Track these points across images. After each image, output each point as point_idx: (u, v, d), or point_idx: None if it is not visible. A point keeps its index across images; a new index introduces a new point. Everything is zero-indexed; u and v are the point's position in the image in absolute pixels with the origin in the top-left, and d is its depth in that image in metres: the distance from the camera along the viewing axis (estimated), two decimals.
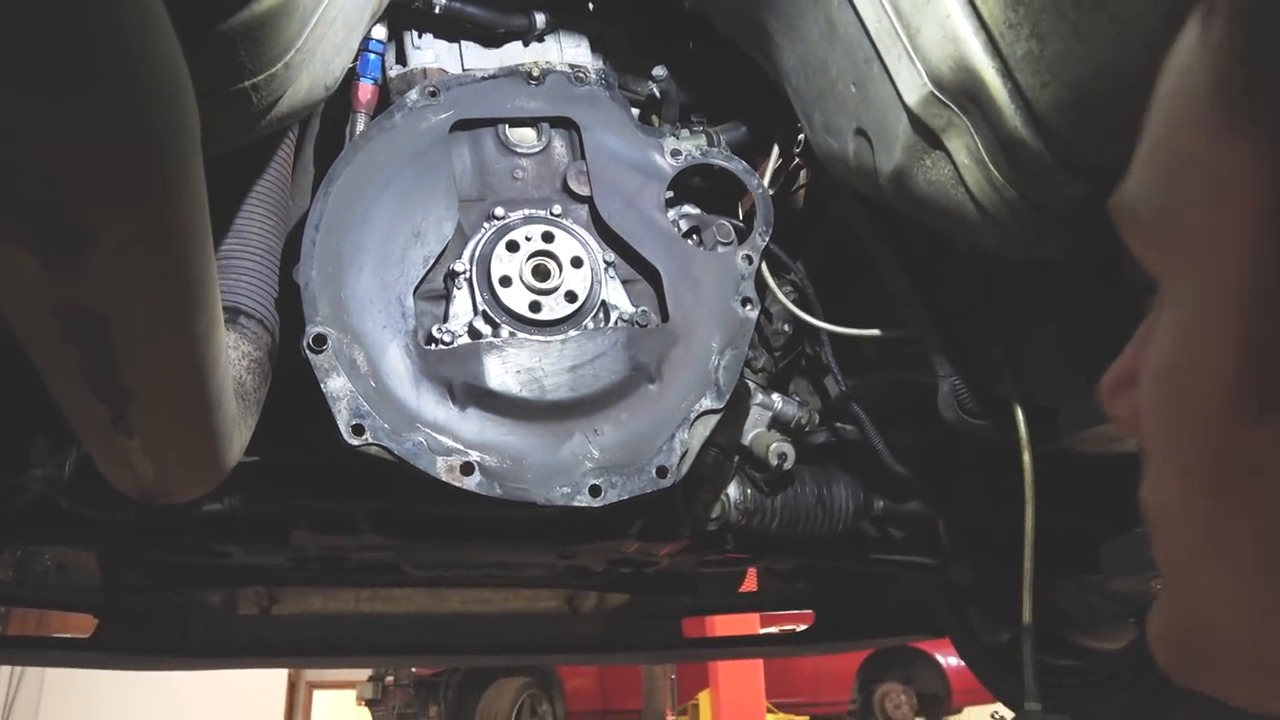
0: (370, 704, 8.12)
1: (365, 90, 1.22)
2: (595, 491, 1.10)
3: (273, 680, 9.78)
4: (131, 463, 0.80)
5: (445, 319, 1.15)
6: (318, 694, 11.46)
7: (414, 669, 7.68)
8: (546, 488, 1.08)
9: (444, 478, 1.05)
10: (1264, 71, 0.27)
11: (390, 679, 7.95)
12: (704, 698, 7.14)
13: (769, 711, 6.88)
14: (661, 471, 1.13)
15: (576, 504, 1.09)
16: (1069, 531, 1.36)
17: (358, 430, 1.05)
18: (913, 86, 0.87)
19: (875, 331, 1.30)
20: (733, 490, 1.39)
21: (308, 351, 1.08)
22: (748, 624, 4.85)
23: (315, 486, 1.23)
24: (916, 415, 1.43)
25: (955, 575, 1.54)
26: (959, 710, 8.74)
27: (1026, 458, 1.11)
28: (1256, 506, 0.27)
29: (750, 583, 2.44)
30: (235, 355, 1.01)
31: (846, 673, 8.18)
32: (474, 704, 7.26)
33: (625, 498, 1.11)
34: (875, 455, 1.42)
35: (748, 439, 1.40)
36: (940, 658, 8.18)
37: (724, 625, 4.61)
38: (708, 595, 2.15)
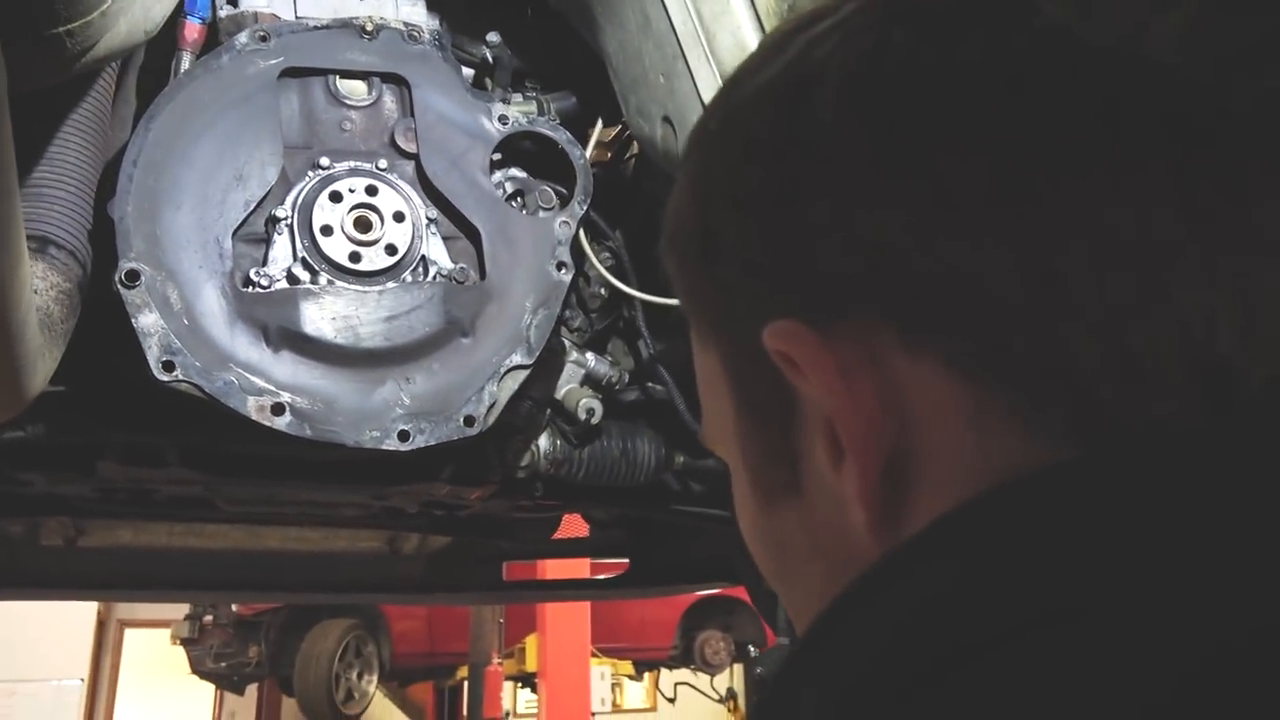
0: (186, 643, 7.88)
1: (192, 29, 1.22)
2: (404, 436, 1.16)
3: (80, 617, 9.35)
4: None
5: (264, 263, 1.18)
6: (129, 632, 11.02)
7: (234, 608, 7.51)
8: (356, 431, 1.14)
9: (254, 417, 1.09)
10: (701, 304, 0.42)
11: (208, 618, 7.73)
12: (531, 641, 7.31)
13: (594, 655, 7.12)
14: (469, 421, 1.20)
15: (385, 448, 1.15)
16: None
17: (168, 366, 1.08)
18: (709, 86, 0.96)
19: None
20: (543, 441, 1.48)
21: (119, 286, 1.09)
22: (578, 571, 5.00)
23: (123, 419, 1.24)
24: None
25: None
26: None
27: None
28: (793, 563, 0.40)
29: (581, 529, 2.56)
30: (43, 286, 1.02)
31: (669, 620, 8.52)
32: (296, 645, 7.18)
33: (433, 443, 1.18)
34: (677, 416, 1.54)
35: (560, 393, 1.49)
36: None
37: (554, 571, 4.75)
38: (526, 540, 2.24)
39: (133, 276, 1.10)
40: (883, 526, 0.34)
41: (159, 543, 2.25)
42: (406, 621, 7.68)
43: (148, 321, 1.09)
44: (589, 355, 1.51)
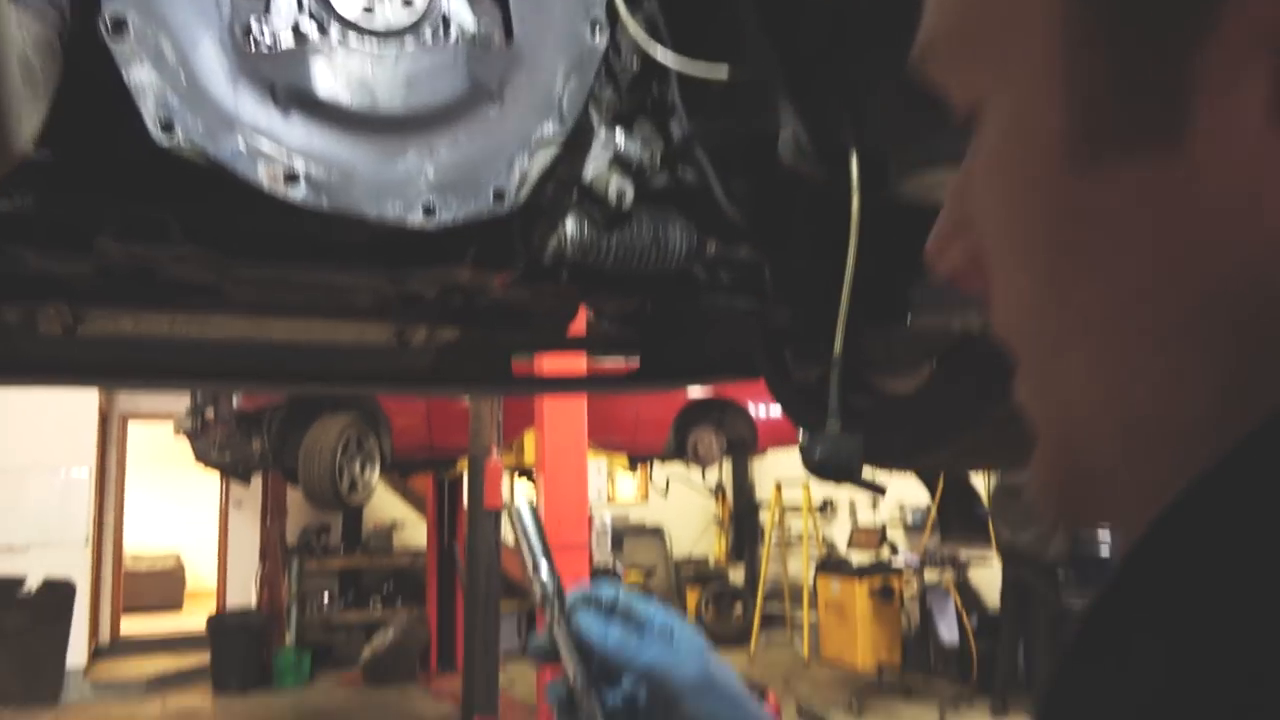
0: (189, 436, 8.05)
1: None
2: (429, 211, 1.07)
3: (82, 411, 9.50)
4: None
5: (266, 11, 1.04)
6: (133, 425, 11.25)
7: (235, 403, 7.61)
8: (378, 203, 1.04)
9: (266, 185, 0.99)
10: None
11: (210, 412, 7.86)
12: (529, 436, 7.48)
13: (590, 451, 7.30)
14: (499, 195, 1.11)
15: (409, 223, 1.06)
16: (881, 282, 1.45)
17: (167, 127, 0.97)
18: None
19: (723, 70, 1.28)
20: (570, 224, 1.39)
21: (105, 35, 0.96)
22: (575, 370, 5.04)
23: (120, 190, 1.14)
24: (756, 164, 1.45)
25: (775, 318, 1.62)
26: (763, 452, 9.56)
27: (855, 202, 1.16)
28: (1102, 257, 0.28)
29: (580, 328, 2.51)
30: (19, 34, 0.90)
31: (663, 420, 8.73)
32: (298, 438, 7.33)
33: (460, 220, 1.09)
34: (712, 200, 1.44)
35: (588, 174, 1.38)
36: (750, 406, 8.84)
37: (552, 370, 4.78)
38: (539, 333, 2.19)
39: (119, 25, 0.97)
40: None
41: (160, 331, 2.19)
42: (405, 417, 7.83)
43: (141, 75, 0.97)
44: (618, 134, 1.40)
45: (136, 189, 1.13)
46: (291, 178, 1.01)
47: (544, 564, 0.58)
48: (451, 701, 8.00)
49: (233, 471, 8.46)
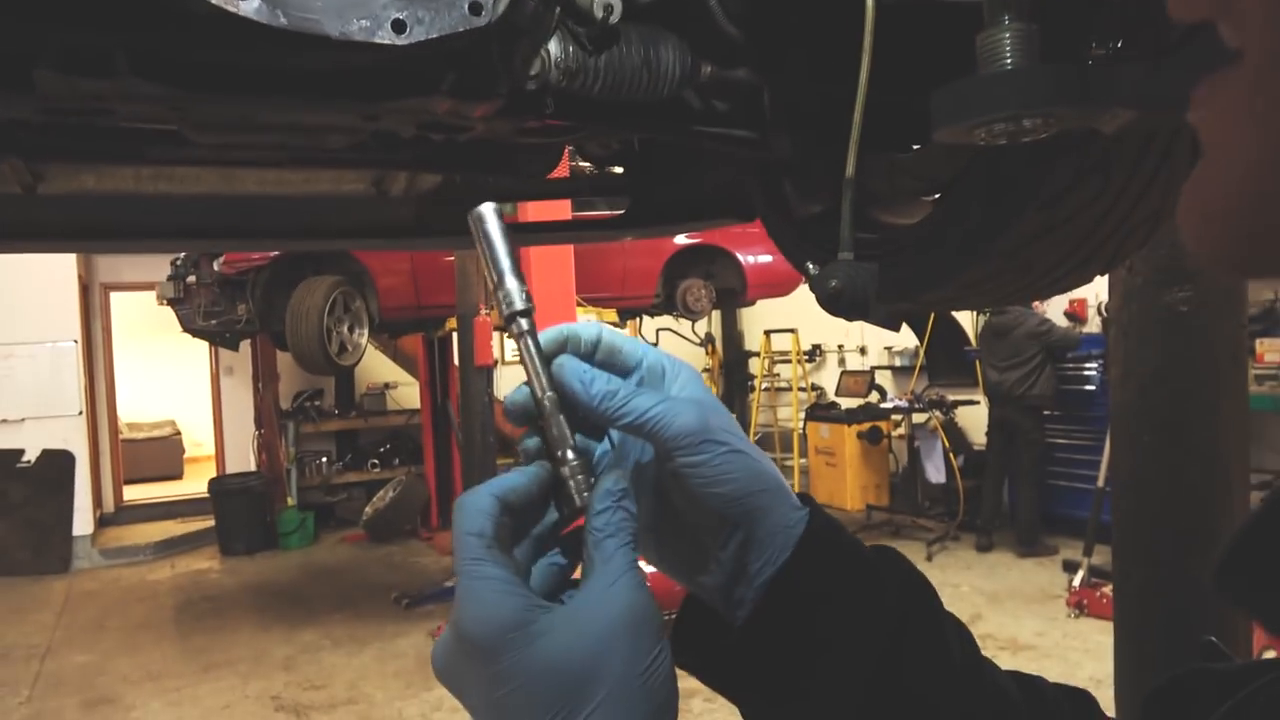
0: (173, 303, 7.95)
1: None
2: (399, 27, 0.96)
3: (62, 284, 9.35)
4: None
5: None
6: (115, 295, 11.12)
7: (216, 267, 7.48)
8: (341, 19, 0.94)
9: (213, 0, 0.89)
10: None
11: (191, 278, 7.73)
12: None
13: (579, 305, 7.25)
14: (475, 8, 1.00)
15: (378, 40, 0.96)
16: (886, 109, 1.35)
17: None
18: None
19: None
20: (553, 46, 1.27)
21: None
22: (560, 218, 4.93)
23: (55, 12, 1.03)
24: None
25: (774, 147, 1.53)
26: (752, 302, 9.54)
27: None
28: None
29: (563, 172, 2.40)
30: None
31: (652, 270, 8.65)
32: (284, 301, 7.24)
33: (434, 36, 0.98)
34: (707, 15, 1.33)
35: None
36: (740, 256, 8.75)
37: (537, 218, 4.67)
38: (525, 174, 2.09)
39: None
40: None
41: (126, 187, 2.08)
42: (391, 277, 7.73)
43: None
44: None
45: (73, 13, 1.02)
46: None
47: (510, 274, 0.51)
48: None
49: (220, 338, 8.41)
